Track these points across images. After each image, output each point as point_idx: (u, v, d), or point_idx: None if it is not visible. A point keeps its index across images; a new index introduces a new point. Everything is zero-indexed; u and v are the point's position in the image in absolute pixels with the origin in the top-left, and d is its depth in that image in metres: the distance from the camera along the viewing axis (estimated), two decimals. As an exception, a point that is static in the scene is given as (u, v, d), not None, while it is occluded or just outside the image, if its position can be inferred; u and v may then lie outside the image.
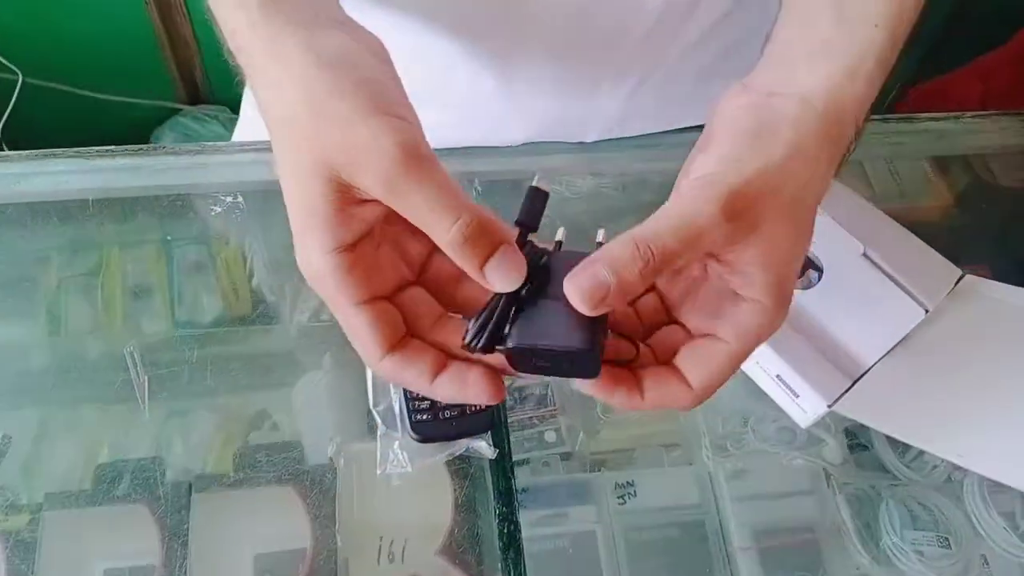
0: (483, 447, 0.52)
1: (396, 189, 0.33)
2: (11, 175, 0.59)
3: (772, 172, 0.35)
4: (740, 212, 0.34)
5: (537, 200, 0.37)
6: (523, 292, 0.36)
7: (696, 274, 0.39)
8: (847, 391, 0.47)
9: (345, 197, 0.34)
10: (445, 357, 0.36)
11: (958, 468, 0.57)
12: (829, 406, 0.48)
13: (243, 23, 0.36)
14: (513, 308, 0.35)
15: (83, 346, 0.59)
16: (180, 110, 1.51)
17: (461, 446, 0.51)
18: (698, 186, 0.35)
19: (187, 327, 0.60)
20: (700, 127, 0.66)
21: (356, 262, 0.34)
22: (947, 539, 0.55)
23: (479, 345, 0.35)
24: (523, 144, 0.65)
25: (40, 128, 1.40)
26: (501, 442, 0.52)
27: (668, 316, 0.40)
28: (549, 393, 0.58)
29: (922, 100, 1.17)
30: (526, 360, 0.36)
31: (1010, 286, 0.51)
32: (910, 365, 0.48)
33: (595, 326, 0.35)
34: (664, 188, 0.66)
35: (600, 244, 0.38)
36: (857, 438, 0.58)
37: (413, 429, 0.51)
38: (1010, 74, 1.07)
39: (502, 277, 0.34)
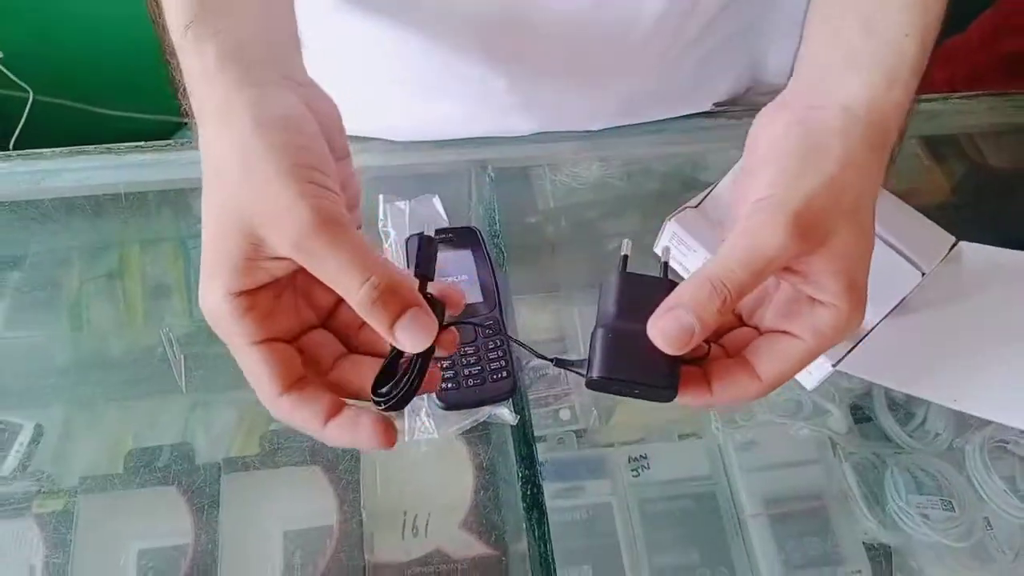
0: (505, 414, 0.54)
1: (307, 250, 0.34)
2: (41, 172, 0.61)
3: (831, 187, 0.36)
4: (807, 230, 0.35)
5: (429, 248, 0.39)
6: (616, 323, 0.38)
7: (768, 283, 0.40)
8: (850, 351, 0.50)
9: (256, 251, 0.35)
10: (340, 402, 0.37)
11: (959, 435, 0.59)
12: (834, 366, 0.50)
13: (197, 70, 0.38)
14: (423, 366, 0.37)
15: (107, 343, 0.60)
16: (186, 123, 1.53)
17: (484, 413, 0.53)
18: (761, 211, 0.36)
19: (205, 323, 0.62)
20: (702, 114, 0.69)
21: (253, 305, 0.36)
22: (951, 502, 0.57)
23: (389, 409, 0.37)
24: (532, 134, 0.67)
25: (50, 143, 1.42)
26: (522, 409, 0.54)
27: (740, 321, 0.41)
28: (563, 373, 0.60)
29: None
30: (605, 384, 0.38)
31: (1000, 249, 0.53)
32: (909, 324, 0.50)
33: (675, 359, 0.37)
34: (668, 177, 0.70)
35: (666, 264, 0.41)
36: (861, 410, 0.60)
37: (438, 397, 0.53)
38: (973, 60, 1.09)
39: (411, 338, 0.35)
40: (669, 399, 0.38)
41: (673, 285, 0.37)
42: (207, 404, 0.58)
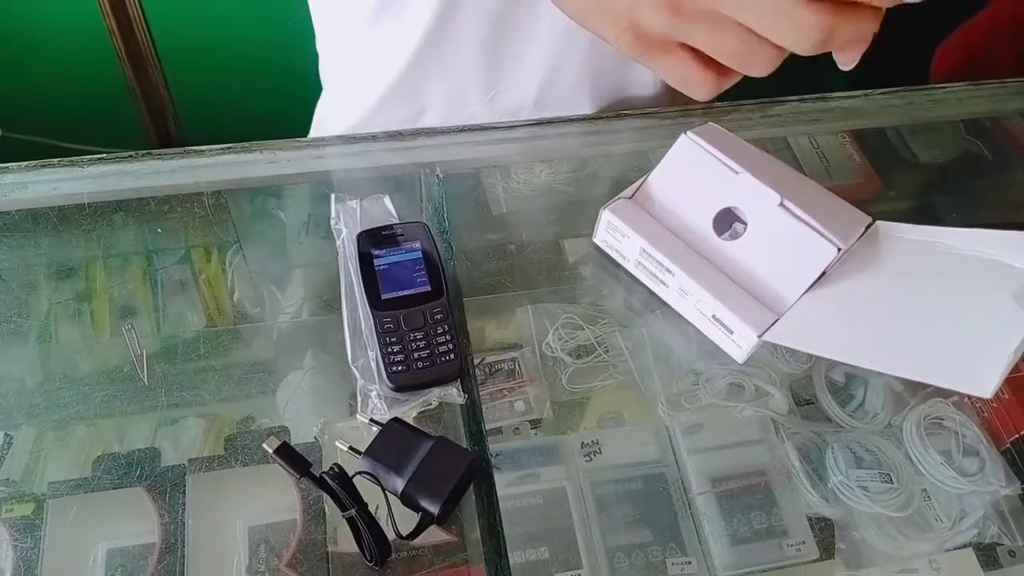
0: (453, 394, 0.56)
1: None
2: (8, 185, 0.63)
3: None
4: None
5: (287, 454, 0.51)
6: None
7: None
8: (774, 323, 0.53)
9: None
10: None
11: (896, 414, 0.62)
12: (759, 336, 0.53)
13: None
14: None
15: (75, 356, 0.62)
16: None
17: (434, 395, 0.56)
18: None
19: (172, 341, 0.63)
20: (638, 114, 0.73)
21: None
22: (889, 476, 0.59)
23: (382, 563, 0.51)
24: (476, 127, 0.71)
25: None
26: (470, 390, 0.57)
27: None
28: (517, 367, 0.62)
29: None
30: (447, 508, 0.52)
31: (914, 225, 0.56)
32: (829, 296, 0.53)
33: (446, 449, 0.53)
34: (615, 183, 0.73)
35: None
36: (802, 392, 0.63)
37: (389, 379, 0.55)
38: (987, 41, 1.12)
39: None
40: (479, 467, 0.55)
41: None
42: (169, 426, 0.59)
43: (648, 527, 0.56)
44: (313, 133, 0.87)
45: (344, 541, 0.54)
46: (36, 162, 0.63)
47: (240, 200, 0.68)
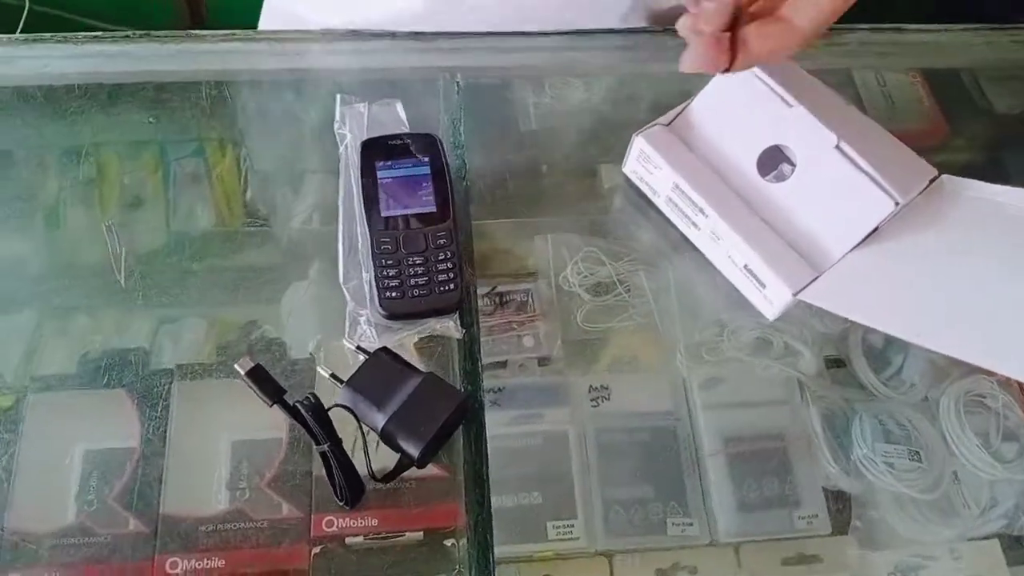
0: (450, 327, 0.52)
1: None
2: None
3: None
4: None
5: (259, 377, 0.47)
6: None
7: None
8: (813, 281, 0.47)
9: None
10: None
11: (935, 387, 0.57)
12: (794, 295, 0.48)
13: None
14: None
15: (77, 251, 0.59)
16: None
17: (428, 326, 0.52)
18: None
19: (181, 237, 0.60)
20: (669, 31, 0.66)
21: None
22: (919, 453, 0.55)
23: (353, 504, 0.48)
24: (502, 33, 0.64)
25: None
26: (470, 325, 0.53)
27: None
28: (530, 300, 0.58)
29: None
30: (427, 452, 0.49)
31: (986, 184, 0.50)
32: (880, 256, 0.48)
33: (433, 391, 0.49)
34: (654, 108, 0.67)
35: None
36: (835, 354, 0.58)
37: (381, 305, 0.51)
38: None
39: None
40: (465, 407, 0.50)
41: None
42: (169, 324, 0.57)
43: (651, 482, 0.53)
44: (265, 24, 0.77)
45: (331, 466, 0.52)
46: (26, 36, 0.59)
47: (240, 93, 0.63)
